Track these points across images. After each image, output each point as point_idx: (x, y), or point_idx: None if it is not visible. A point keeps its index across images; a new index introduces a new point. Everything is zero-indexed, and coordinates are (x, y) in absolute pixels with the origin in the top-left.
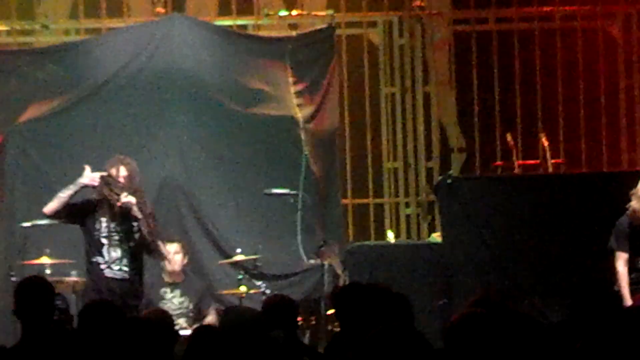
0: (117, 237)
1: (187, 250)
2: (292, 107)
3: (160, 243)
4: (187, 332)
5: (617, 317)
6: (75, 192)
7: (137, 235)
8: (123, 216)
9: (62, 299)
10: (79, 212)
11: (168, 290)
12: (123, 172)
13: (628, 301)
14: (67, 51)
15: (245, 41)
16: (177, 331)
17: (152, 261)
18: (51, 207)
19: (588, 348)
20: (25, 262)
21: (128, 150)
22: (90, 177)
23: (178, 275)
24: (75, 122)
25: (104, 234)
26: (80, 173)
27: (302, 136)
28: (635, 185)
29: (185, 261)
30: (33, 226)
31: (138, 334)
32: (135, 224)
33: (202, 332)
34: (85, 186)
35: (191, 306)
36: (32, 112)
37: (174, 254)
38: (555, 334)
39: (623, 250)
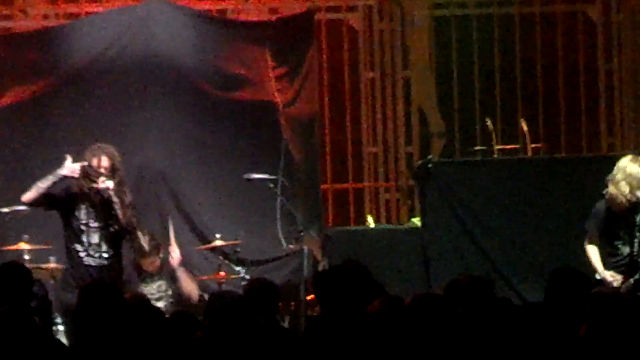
0: (96, 224)
1: (159, 246)
2: (272, 92)
3: (139, 234)
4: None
5: (590, 300)
6: (54, 183)
7: (116, 222)
8: (102, 203)
9: (39, 285)
10: (58, 200)
11: (147, 276)
12: (105, 162)
13: (602, 273)
14: (46, 36)
15: (225, 26)
16: (160, 312)
17: (128, 246)
18: (29, 196)
19: (562, 331)
20: (4, 248)
21: (107, 135)
22: (70, 168)
23: (155, 268)
24: (55, 107)
25: (83, 221)
26: (59, 159)
27: (282, 121)
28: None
29: (161, 255)
30: (12, 212)
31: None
32: (114, 210)
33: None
34: (65, 177)
35: (170, 290)
36: (11, 97)
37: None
38: (530, 316)
39: (593, 234)
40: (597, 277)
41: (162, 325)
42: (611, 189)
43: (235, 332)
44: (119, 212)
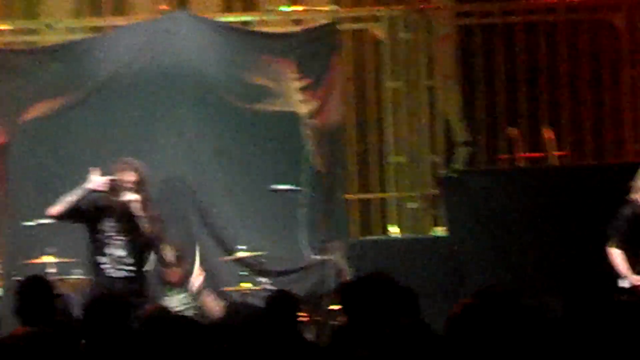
0: (121, 237)
1: (183, 258)
2: (296, 103)
3: (164, 247)
4: None
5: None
6: (82, 197)
7: (142, 235)
8: (127, 216)
9: (63, 299)
10: (84, 214)
11: (167, 288)
12: (131, 176)
13: (630, 277)
14: (71, 50)
15: (249, 38)
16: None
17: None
18: (56, 209)
19: (583, 344)
20: (29, 261)
21: (132, 149)
22: (97, 182)
23: (177, 280)
24: (80, 121)
25: (107, 234)
26: (84, 172)
27: (306, 132)
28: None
29: (185, 267)
30: (37, 225)
31: (145, 333)
32: (140, 224)
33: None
34: (92, 191)
35: (192, 302)
36: (36, 111)
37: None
38: (554, 329)
39: (618, 238)
40: (621, 282)
41: (187, 336)
42: (636, 194)
43: (252, 344)
44: (145, 225)
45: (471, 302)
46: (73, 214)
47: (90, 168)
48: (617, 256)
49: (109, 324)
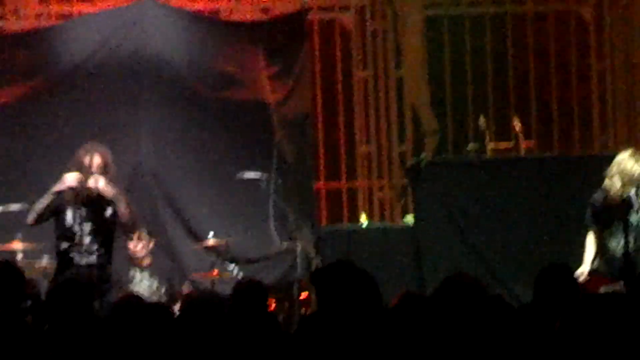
0: (86, 224)
1: (152, 233)
2: (264, 92)
3: (142, 232)
4: None
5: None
6: (51, 201)
7: (107, 220)
8: (92, 201)
9: (33, 286)
10: (55, 209)
11: (137, 272)
12: (97, 160)
13: (585, 266)
14: (38, 37)
15: (217, 26)
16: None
17: (119, 244)
18: (31, 219)
19: (551, 332)
20: None
21: (100, 135)
22: (69, 181)
23: (144, 259)
24: (47, 108)
25: (73, 221)
26: (51, 157)
27: (274, 120)
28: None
29: (151, 245)
30: (4, 211)
31: (118, 319)
32: (107, 209)
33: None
34: (60, 192)
35: (163, 288)
36: (3, 97)
37: (137, 242)
38: (521, 316)
39: (591, 226)
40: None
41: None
42: (606, 182)
43: (219, 332)
44: (121, 208)
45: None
46: (47, 216)
47: (65, 174)
48: (587, 245)
49: (71, 309)
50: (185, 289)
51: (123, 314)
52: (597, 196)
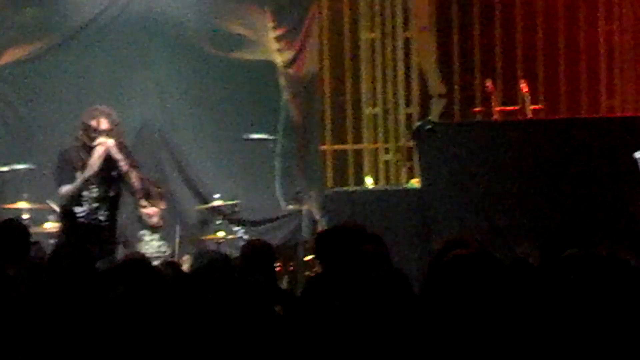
0: (95, 188)
1: (163, 195)
2: (272, 52)
3: (154, 195)
4: None
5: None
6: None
7: (114, 181)
8: (102, 165)
9: (38, 248)
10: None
11: (147, 232)
12: (104, 124)
13: None
14: None
15: None
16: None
17: (130, 202)
18: (65, 193)
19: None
20: (3, 206)
21: (106, 94)
22: (95, 166)
23: (157, 220)
24: (54, 66)
25: (83, 184)
26: (59, 117)
27: (282, 81)
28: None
29: (163, 206)
30: (11, 170)
31: (120, 278)
32: (114, 171)
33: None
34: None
35: (168, 251)
36: (10, 55)
37: (151, 210)
38: (528, 280)
39: None
40: None
41: (160, 285)
42: None
43: (222, 291)
44: (130, 178)
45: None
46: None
47: (97, 142)
48: None
49: (73, 270)
50: (185, 257)
51: (126, 273)
52: None
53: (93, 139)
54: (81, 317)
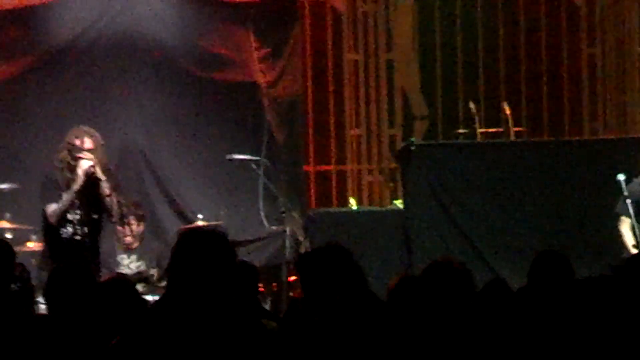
0: (78, 211)
1: (142, 217)
2: (255, 73)
3: (130, 219)
4: (147, 297)
5: (573, 285)
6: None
7: (97, 201)
8: (84, 184)
9: (22, 269)
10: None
11: (125, 256)
12: (88, 144)
13: (634, 250)
14: (29, 14)
15: (208, 5)
16: (142, 296)
17: (108, 227)
18: (55, 220)
19: (543, 315)
20: None
21: (88, 115)
22: (82, 177)
23: (133, 243)
24: (37, 86)
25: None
26: (41, 137)
27: (265, 102)
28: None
29: (140, 229)
30: None
31: (104, 299)
32: (97, 191)
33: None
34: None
35: (150, 271)
36: None
37: (127, 229)
38: (507, 303)
39: (627, 215)
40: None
41: (141, 307)
42: None
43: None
44: (106, 190)
45: (408, 275)
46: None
47: (80, 163)
48: (625, 232)
49: (74, 290)
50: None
51: (109, 293)
52: (633, 189)
53: (77, 158)
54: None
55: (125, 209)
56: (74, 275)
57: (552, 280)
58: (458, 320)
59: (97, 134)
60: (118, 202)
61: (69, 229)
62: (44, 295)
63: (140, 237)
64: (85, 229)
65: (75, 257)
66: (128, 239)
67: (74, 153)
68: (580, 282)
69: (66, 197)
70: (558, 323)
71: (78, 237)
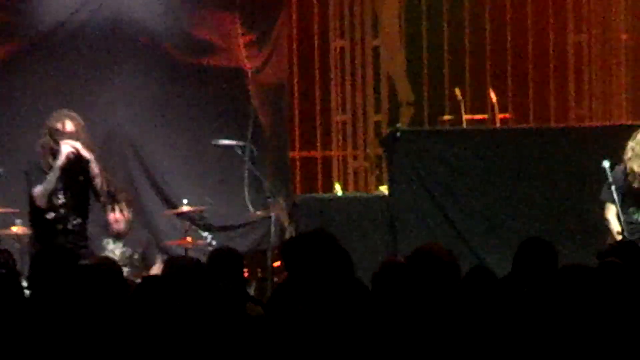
0: (64, 191)
1: (131, 203)
2: (241, 59)
3: (119, 198)
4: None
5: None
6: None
7: (83, 184)
8: (69, 167)
9: (7, 255)
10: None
11: (110, 240)
12: (69, 127)
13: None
14: None
15: None
16: (126, 278)
17: (94, 210)
18: (44, 202)
19: (527, 302)
20: None
21: (74, 100)
22: (67, 153)
23: (123, 227)
24: (21, 70)
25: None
26: (27, 121)
27: (251, 88)
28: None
29: (130, 216)
30: None
31: (89, 281)
32: (82, 174)
33: (147, 282)
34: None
35: (135, 256)
36: None
37: (119, 215)
38: (493, 289)
39: (612, 202)
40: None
41: (124, 291)
42: (627, 161)
43: (193, 296)
44: (97, 181)
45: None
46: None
47: (63, 142)
48: (611, 217)
49: (57, 275)
50: (159, 256)
51: (94, 277)
52: (617, 176)
53: (58, 142)
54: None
55: (113, 189)
56: (56, 259)
57: (537, 267)
58: (442, 307)
59: (77, 117)
60: (107, 181)
61: (55, 213)
62: (26, 279)
63: (130, 224)
64: (71, 214)
65: (62, 241)
66: (121, 224)
67: (55, 137)
68: (564, 270)
69: (51, 176)
70: (542, 310)
71: (64, 222)
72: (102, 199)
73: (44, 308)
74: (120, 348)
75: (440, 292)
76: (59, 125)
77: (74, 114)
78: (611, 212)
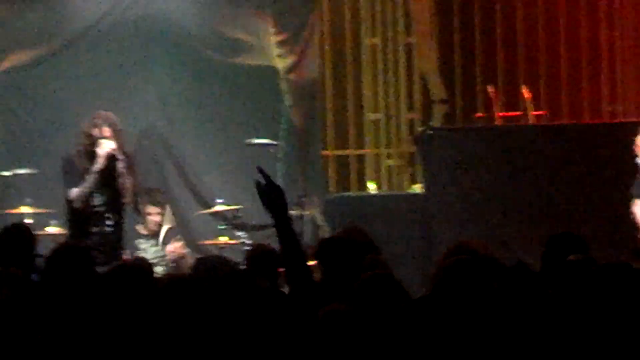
0: (101, 192)
1: (164, 203)
2: (273, 58)
3: (141, 204)
4: None
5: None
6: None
7: (119, 185)
8: (106, 170)
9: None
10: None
11: (142, 240)
12: (107, 133)
13: None
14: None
15: None
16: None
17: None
18: (79, 204)
19: (557, 299)
20: (6, 211)
21: (107, 99)
22: (103, 157)
23: (155, 225)
24: (55, 71)
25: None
26: (59, 122)
27: (283, 86)
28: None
29: (162, 216)
30: (13, 175)
31: (118, 281)
32: (119, 175)
33: (174, 282)
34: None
35: (167, 256)
36: (11, 61)
37: (153, 215)
38: (529, 287)
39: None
40: None
41: (155, 291)
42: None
43: (224, 296)
44: (124, 172)
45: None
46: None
47: (100, 144)
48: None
49: (70, 272)
50: (190, 256)
51: (126, 277)
52: None
53: (95, 144)
54: (77, 319)
55: (138, 190)
56: (72, 260)
57: (565, 265)
58: (483, 308)
59: (115, 119)
60: (133, 184)
61: (92, 214)
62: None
63: (162, 224)
64: (108, 214)
65: (97, 241)
66: (151, 225)
67: (92, 140)
68: (599, 269)
69: (89, 178)
70: (583, 308)
71: (101, 222)
72: (125, 199)
73: (61, 306)
74: (145, 348)
75: (479, 292)
76: (95, 131)
77: (110, 116)
78: (638, 207)
